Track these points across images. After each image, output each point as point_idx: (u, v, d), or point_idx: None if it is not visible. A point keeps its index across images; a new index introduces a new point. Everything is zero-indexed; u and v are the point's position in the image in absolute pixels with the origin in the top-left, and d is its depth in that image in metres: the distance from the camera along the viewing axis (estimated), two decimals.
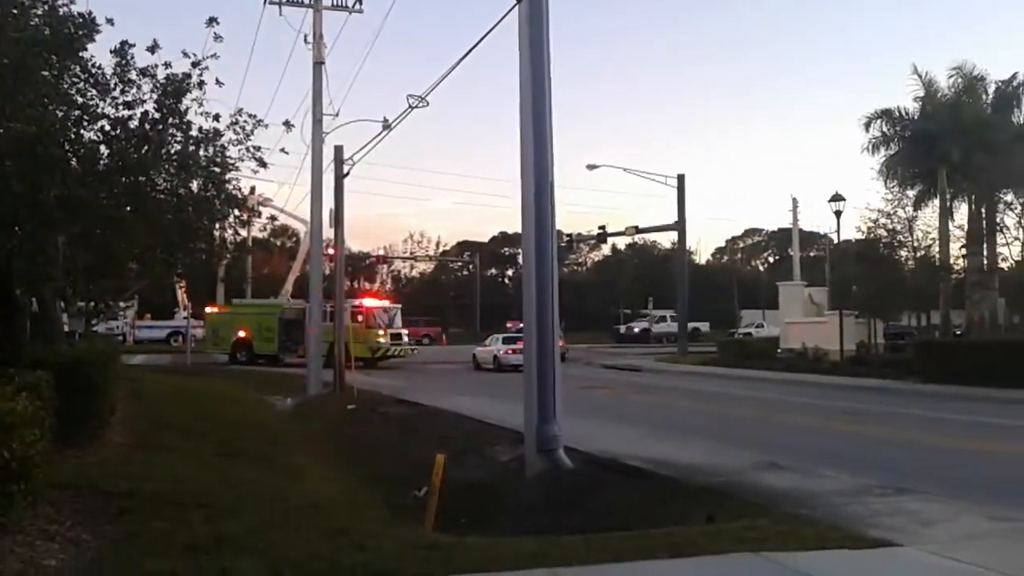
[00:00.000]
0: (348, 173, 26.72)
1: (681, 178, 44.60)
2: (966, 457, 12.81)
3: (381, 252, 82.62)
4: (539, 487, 10.84)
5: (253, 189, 18.02)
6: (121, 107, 12.08)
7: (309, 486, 10.78)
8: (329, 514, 8.12)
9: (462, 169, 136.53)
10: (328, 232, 27.93)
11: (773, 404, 21.19)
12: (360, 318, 37.34)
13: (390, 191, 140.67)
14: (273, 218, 39.00)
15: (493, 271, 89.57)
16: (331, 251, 29.80)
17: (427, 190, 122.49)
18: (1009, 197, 33.24)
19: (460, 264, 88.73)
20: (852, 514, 8.16)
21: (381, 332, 38.01)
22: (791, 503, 8.71)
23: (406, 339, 40.57)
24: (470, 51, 15.62)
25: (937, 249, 33.15)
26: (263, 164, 14.11)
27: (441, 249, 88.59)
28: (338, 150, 26.61)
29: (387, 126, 24.52)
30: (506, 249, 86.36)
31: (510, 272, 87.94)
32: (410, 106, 22.56)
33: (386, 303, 42.87)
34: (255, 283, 60.64)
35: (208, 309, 43.89)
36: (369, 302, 41.38)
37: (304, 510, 8.20)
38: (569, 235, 58.44)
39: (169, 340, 54.15)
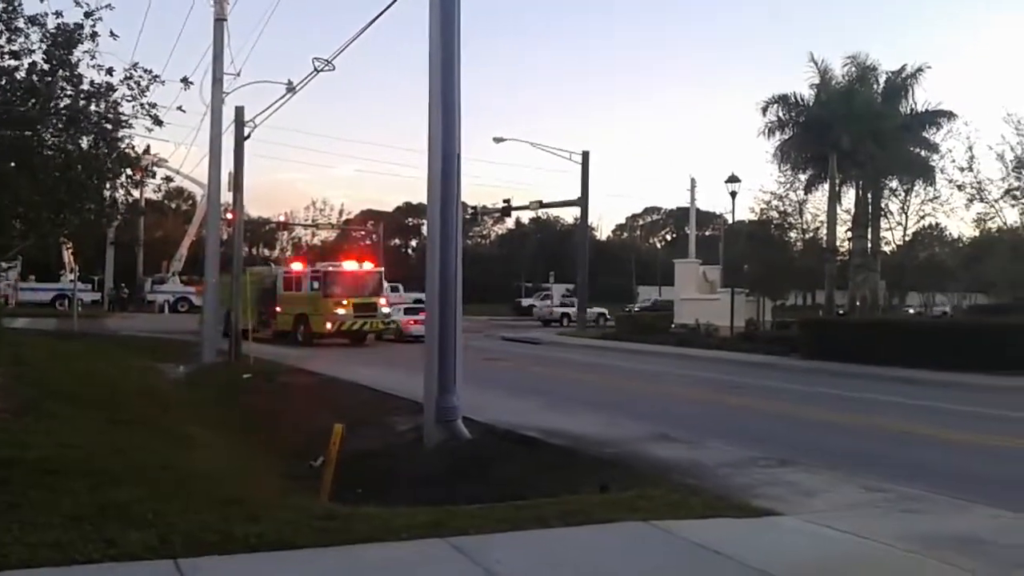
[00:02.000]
0: (249, 136, 26.03)
1: (586, 155, 45.06)
2: (843, 430, 13.53)
3: (282, 218, 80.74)
4: (437, 457, 10.92)
5: (148, 148, 17.31)
6: (7, 56, 11.47)
7: (201, 455, 10.55)
8: (222, 484, 7.99)
9: (367, 137, 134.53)
10: (227, 196, 27.19)
11: (665, 377, 21.83)
12: (316, 285, 32.40)
13: (293, 156, 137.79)
14: (168, 179, 36.93)
15: (397, 241, 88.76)
16: (229, 216, 28.99)
17: (331, 157, 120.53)
18: (894, 184, 34.91)
19: (363, 233, 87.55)
20: (738, 484, 8.54)
21: (343, 302, 31.86)
22: (681, 473, 9.04)
23: (386, 309, 33.90)
24: (379, 15, 15.42)
25: (825, 232, 34.64)
26: (158, 122, 13.61)
27: (344, 217, 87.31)
28: (239, 111, 25.86)
29: (291, 88, 24.01)
30: (410, 219, 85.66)
31: (414, 243, 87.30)
32: (315, 69, 22.17)
33: (367, 265, 35.18)
34: (148, 247, 58.57)
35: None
36: (328, 266, 34.59)
37: (196, 479, 8.02)
38: (474, 207, 58.34)
39: (54, 303, 51.84)
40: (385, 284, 36.40)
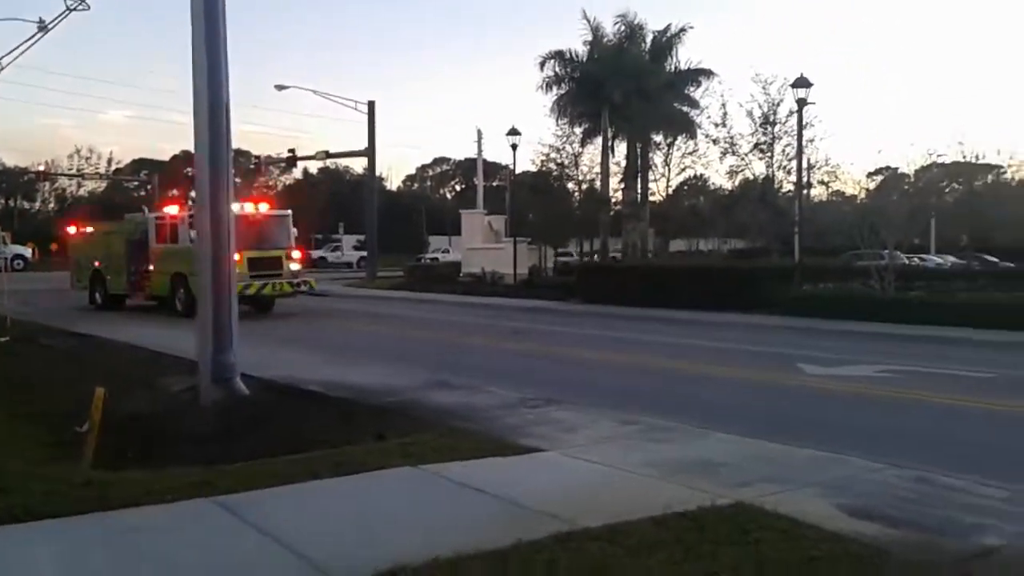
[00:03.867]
0: None
1: (371, 104, 44.51)
2: (610, 369, 14.53)
3: (42, 168, 73.93)
4: (214, 416, 10.66)
5: None
6: None
7: None
8: None
9: (139, 81, 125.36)
10: None
11: (450, 325, 22.33)
12: (194, 235, 24.80)
13: (55, 101, 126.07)
14: None
15: (175, 192, 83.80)
16: None
17: (98, 101, 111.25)
18: (658, 138, 37.16)
19: (137, 183, 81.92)
20: (508, 425, 9.01)
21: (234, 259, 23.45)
22: (456, 418, 9.37)
23: (295, 266, 25.27)
24: None
25: (599, 183, 36.45)
26: None
27: (114, 167, 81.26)
28: None
29: (43, 27, 22.19)
30: (189, 169, 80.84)
31: (194, 193, 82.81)
32: (68, 8, 20.58)
33: (265, 208, 26.25)
34: None
35: (71, 230, 29.66)
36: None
37: None
38: (258, 157, 56.34)
39: None
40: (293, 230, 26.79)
